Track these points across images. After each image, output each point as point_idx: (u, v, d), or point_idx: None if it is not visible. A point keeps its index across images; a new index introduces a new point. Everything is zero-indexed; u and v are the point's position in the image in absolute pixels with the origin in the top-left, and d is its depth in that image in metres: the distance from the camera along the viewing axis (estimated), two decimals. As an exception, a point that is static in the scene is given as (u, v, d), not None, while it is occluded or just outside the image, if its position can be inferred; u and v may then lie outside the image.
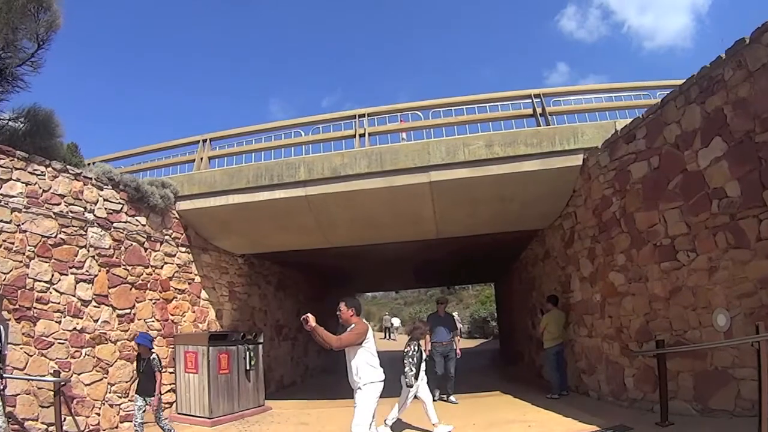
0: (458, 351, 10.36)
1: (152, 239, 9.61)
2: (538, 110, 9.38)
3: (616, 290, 7.75)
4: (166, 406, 9.12)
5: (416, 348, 7.55)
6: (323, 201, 9.30)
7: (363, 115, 9.91)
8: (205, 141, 11.13)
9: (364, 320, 5.56)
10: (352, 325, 5.33)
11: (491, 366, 17.51)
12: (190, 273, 10.51)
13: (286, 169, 9.42)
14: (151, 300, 9.33)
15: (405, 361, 7.37)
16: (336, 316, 5.48)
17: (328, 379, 14.29)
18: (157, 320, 9.43)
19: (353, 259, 14.03)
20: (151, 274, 9.45)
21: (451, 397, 9.96)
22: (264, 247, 11.55)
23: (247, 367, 10.12)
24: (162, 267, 9.74)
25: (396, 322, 36.40)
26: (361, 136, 9.64)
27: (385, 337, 32.74)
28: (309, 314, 5.09)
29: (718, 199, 5.80)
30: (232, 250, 11.75)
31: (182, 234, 10.41)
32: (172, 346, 9.68)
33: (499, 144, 8.60)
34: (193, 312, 10.40)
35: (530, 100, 9.60)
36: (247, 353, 10.17)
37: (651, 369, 6.83)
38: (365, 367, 5.24)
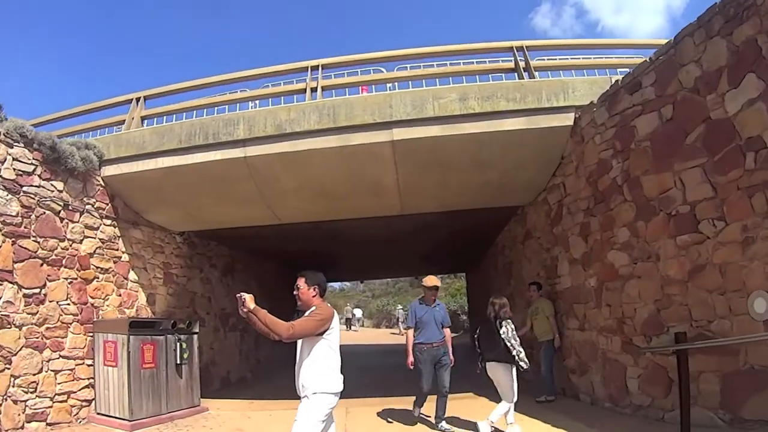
0: (451, 357, 7.32)
1: (70, 208, 7.99)
2: (521, 64, 7.99)
3: (616, 273, 6.39)
4: (84, 404, 7.70)
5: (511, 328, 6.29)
6: (266, 164, 7.75)
7: (316, 67, 8.35)
8: (138, 100, 9.49)
9: (328, 304, 4.01)
10: (313, 309, 3.83)
11: (462, 362, 15.99)
12: (116, 250, 8.91)
13: (224, 126, 7.86)
14: (66, 279, 7.74)
15: (510, 343, 6.12)
16: (294, 299, 3.99)
17: (283, 375, 12.67)
18: (74, 303, 7.82)
19: (307, 242, 12.48)
20: (68, 249, 7.84)
21: (443, 424, 6.89)
22: (204, 223, 9.95)
23: (179, 361, 8.53)
24: (81, 241, 8.15)
25: (358, 313, 35.48)
26: (313, 90, 8.07)
27: (346, 329, 31.54)
28: (245, 293, 3.56)
29: (753, 152, 4.54)
30: (168, 227, 10.15)
31: (107, 204, 8.80)
32: (91, 334, 8.08)
33: (476, 98, 7.17)
34: (119, 295, 8.78)
35: (511, 54, 8.16)
36: (179, 345, 8.57)
37: (662, 369, 5.52)
38: (320, 369, 3.72)
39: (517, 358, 6.01)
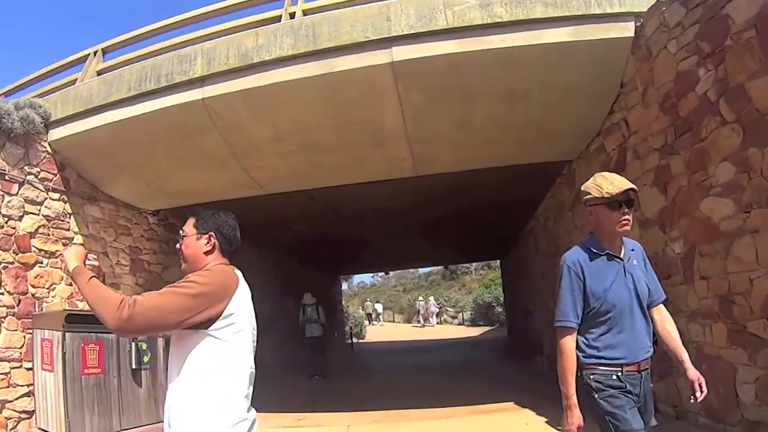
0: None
1: (6, 178, 6.59)
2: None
3: (716, 230, 4.48)
4: (23, 416, 6.35)
5: None
6: (229, 107, 6.07)
7: (297, -12, 6.57)
8: (96, 53, 7.95)
9: (235, 270, 2.19)
10: (203, 271, 2.09)
11: (498, 360, 14.11)
12: (67, 230, 7.42)
13: (178, 63, 6.28)
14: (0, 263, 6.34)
15: None
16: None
17: (295, 383, 11.08)
18: (9, 293, 6.39)
19: (310, 224, 10.77)
20: (2, 227, 6.45)
21: None
22: (172, 197, 8.39)
23: (135, 366, 6.96)
24: (20, 218, 6.71)
25: (379, 308, 35.26)
26: (292, 16, 6.30)
27: (368, 323, 30.96)
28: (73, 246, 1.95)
29: None
30: (136, 204, 8.65)
31: (56, 175, 7.34)
32: (30, 330, 6.62)
33: (503, 2, 5.27)
34: (69, 284, 7.21)
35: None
36: (136, 345, 6.97)
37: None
38: (199, 399, 1.89)
39: None
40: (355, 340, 24.47)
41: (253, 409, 2.02)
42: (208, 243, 2.18)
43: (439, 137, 6.32)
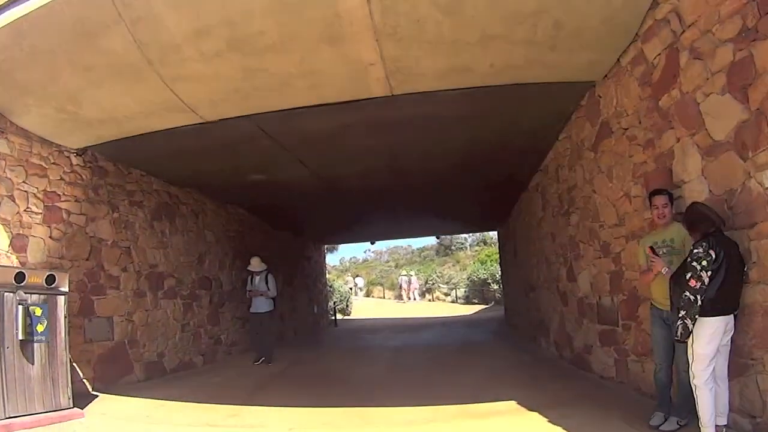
0: None
1: None
2: None
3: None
4: None
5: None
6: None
7: None
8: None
9: None
10: None
11: (495, 343, 12.29)
12: (-40, 166, 5.97)
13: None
14: None
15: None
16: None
17: (244, 367, 9.43)
18: None
19: (276, 174, 9.12)
20: None
21: None
22: (92, 129, 6.85)
23: (23, 336, 5.50)
24: None
25: (360, 282, 35.41)
26: None
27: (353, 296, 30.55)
28: None
29: None
30: (55, 139, 7.12)
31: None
32: None
33: None
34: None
35: None
36: (24, 310, 5.45)
37: None
38: None
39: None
40: (340, 316, 23.21)
41: None
42: None
43: (420, 30, 4.60)
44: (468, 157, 8.57)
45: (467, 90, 5.73)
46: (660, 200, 4.37)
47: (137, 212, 8.60)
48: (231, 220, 11.70)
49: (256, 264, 9.78)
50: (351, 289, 30.99)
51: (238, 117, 6.26)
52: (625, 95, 5.44)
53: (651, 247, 4.25)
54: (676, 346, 4.15)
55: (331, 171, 9.24)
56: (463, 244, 44.19)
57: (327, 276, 23.37)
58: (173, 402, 6.48)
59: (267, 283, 9.70)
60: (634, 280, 5.32)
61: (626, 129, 5.44)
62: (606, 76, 5.74)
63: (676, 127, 4.54)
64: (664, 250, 4.27)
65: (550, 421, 4.66)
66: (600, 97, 6.00)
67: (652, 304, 4.51)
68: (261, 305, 9.66)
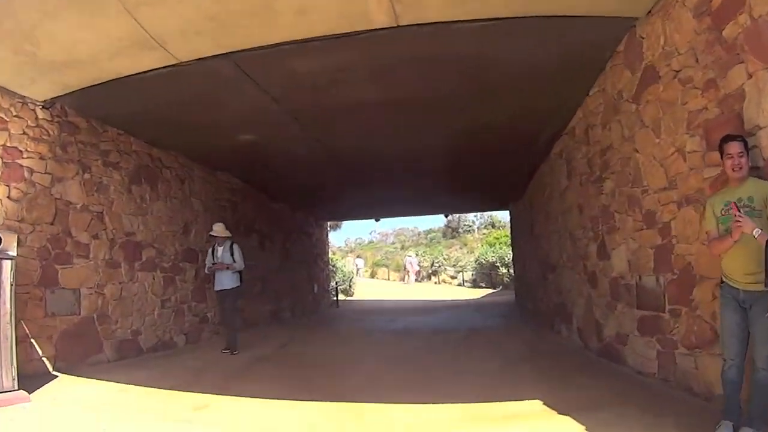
0: None
1: None
2: None
3: None
4: None
5: None
6: None
7: None
8: None
9: None
10: None
11: (507, 330, 11.03)
12: None
13: None
14: None
15: None
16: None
17: (243, 342, 8.51)
18: None
19: (267, 134, 8.22)
20: None
21: None
22: (56, 74, 5.98)
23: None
24: None
25: (360, 263, 35.39)
26: None
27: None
28: None
29: None
30: (11, 86, 6.26)
31: None
32: None
33: None
34: None
35: None
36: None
37: None
38: None
39: None
40: (342, 297, 22.48)
41: None
42: None
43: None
44: (483, 116, 7.62)
45: (485, 23, 4.78)
46: (735, 148, 3.44)
47: (112, 174, 7.74)
48: (222, 189, 10.78)
49: (220, 230, 8.42)
50: (351, 270, 30.48)
51: (216, 56, 5.34)
52: (675, 30, 4.49)
53: (735, 203, 3.32)
54: (755, 336, 3.26)
55: (327, 131, 8.22)
56: (470, 226, 43.98)
57: (330, 255, 22.51)
58: (139, 387, 5.64)
59: (233, 254, 8.33)
60: (689, 256, 4.40)
61: (678, 71, 4.49)
62: (650, 12, 4.80)
63: (746, 61, 3.64)
64: (744, 211, 3.35)
65: (588, 430, 3.75)
66: (642, 38, 5.04)
67: (723, 281, 3.56)
68: (225, 281, 8.24)
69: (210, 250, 8.56)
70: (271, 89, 6.37)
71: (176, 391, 5.41)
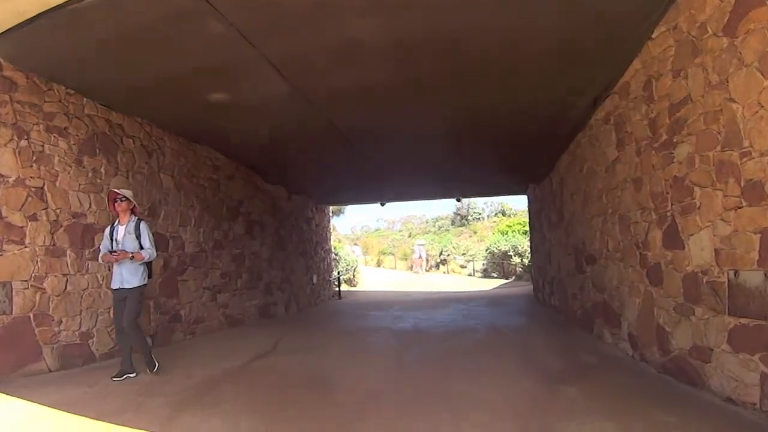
0: None
1: None
2: None
3: None
4: None
5: None
6: None
7: None
8: None
9: None
10: None
11: (534, 331, 9.27)
12: None
13: None
14: None
15: None
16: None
17: (218, 347, 7.11)
18: None
19: (244, 90, 6.82)
20: None
21: None
22: None
23: None
24: None
25: (357, 250, 34.93)
26: None
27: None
28: None
29: None
30: None
31: None
32: None
33: None
34: None
35: None
36: None
37: None
38: None
39: None
40: (345, 287, 21.29)
41: None
42: None
43: None
44: (507, 73, 6.22)
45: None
46: None
47: (58, 142, 6.40)
48: (201, 165, 9.37)
49: (120, 183, 6.67)
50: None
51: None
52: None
53: None
54: None
55: (317, 83, 6.60)
56: (480, 214, 43.04)
57: (332, 243, 21.16)
58: (61, 413, 4.32)
59: (139, 237, 5.90)
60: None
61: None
62: None
63: None
64: None
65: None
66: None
67: None
68: (128, 276, 5.80)
69: (107, 231, 6.03)
70: (241, 23, 4.91)
71: (107, 423, 4.07)
